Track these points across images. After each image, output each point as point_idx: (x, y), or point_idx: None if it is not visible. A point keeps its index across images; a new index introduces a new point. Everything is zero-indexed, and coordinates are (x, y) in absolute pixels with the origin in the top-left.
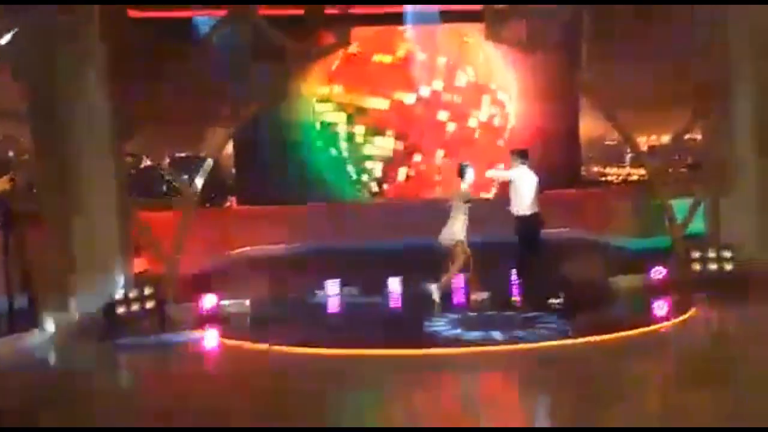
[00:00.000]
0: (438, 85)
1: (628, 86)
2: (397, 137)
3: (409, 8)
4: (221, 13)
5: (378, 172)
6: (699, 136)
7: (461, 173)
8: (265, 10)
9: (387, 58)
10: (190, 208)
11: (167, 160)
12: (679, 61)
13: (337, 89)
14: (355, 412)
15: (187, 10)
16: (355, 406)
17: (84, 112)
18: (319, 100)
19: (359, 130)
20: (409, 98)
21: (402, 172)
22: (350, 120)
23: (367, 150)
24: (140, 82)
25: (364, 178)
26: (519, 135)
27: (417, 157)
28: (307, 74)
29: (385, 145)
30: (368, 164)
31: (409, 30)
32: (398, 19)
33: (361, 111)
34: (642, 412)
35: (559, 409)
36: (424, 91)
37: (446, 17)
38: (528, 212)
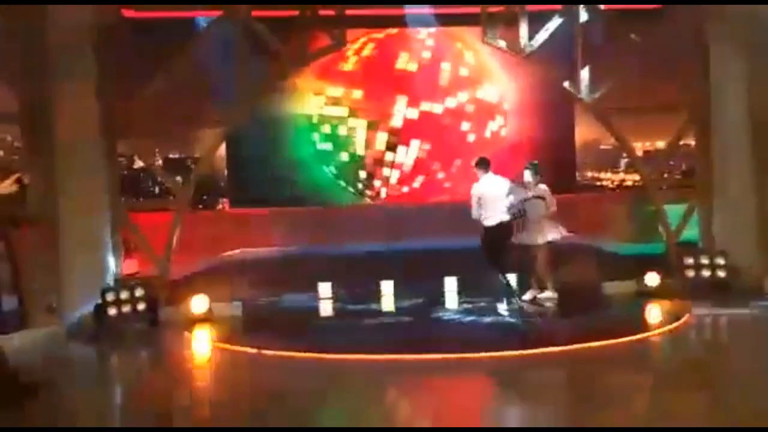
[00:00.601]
0: (462, 96)
1: (623, 91)
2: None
3: (408, 10)
4: (215, 13)
5: (393, 179)
6: (693, 142)
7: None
8: (258, 12)
9: (413, 66)
10: (182, 209)
11: (159, 162)
12: (674, 65)
13: (357, 93)
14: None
15: (181, 11)
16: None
17: (75, 113)
18: (321, 101)
19: (360, 132)
20: (436, 108)
21: (418, 179)
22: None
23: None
24: (132, 82)
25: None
26: (514, 140)
27: (435, 165)
28: (306, 75)
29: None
30: (383, 170)
31: (424, 35)
32: (394, 21)
33: (384, 117)
34: (626, 419)
35: (540, 416)
36: (450, 102)
37: (443, 20)
38: (494, 222)
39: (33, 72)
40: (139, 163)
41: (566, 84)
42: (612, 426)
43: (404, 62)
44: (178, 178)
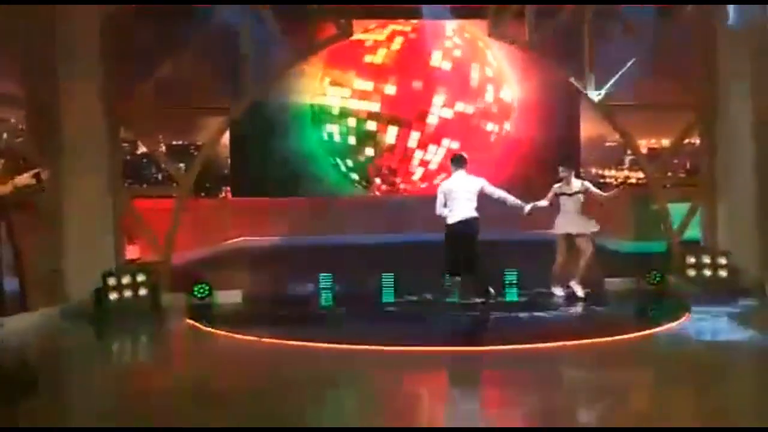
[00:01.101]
0: (489, 96)
1: (629, 88)
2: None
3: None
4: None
5: (417, 176)
6: (698, 141)
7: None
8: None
9: (447, 64)
10: (184, 196)
11: (163, 148)
12: (680, 63)
13: (389, 89)
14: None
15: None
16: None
17: (80, 99)
18: (345, 93)
19: (392, 129)
20: (468, 108)
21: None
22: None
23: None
24: (138, 68)
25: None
26: (520, 136)
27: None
28: (328, 65)
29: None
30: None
31: (450, 31)
32: (402, 12)
33: (419, 115)
34: (622, 416)
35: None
36: (480, 102)
37: (452, 13)
38: (456, 219)
39: (39, 56)
40: (142, 149)
41: (572, 80)
42: (609, 424)
43: (438, 60)
44: (181, 165)
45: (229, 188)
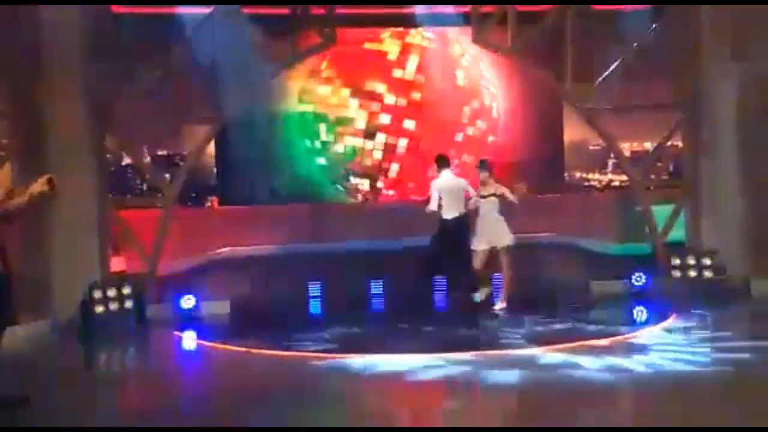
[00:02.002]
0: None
1: (612, 92)
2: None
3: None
4: (205, 10)
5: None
6: (680, 143)
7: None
8: (249, 9)
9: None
10: (170, 207)
11: (148, 159)
12: (664, 66)
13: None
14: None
15: (170, 8)
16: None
17: (64, 110)
18: (310, 100)
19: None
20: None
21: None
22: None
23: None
24: (122, 78)
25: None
26: (502, 139)
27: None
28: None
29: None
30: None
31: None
32: (386, 20)
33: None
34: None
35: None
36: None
37: (435, 21)
38: (451, 216)
39: (22, 68)
40: (126, 160)
41: (555, 84)
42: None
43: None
44: (167, 176)
45: (215, 198)
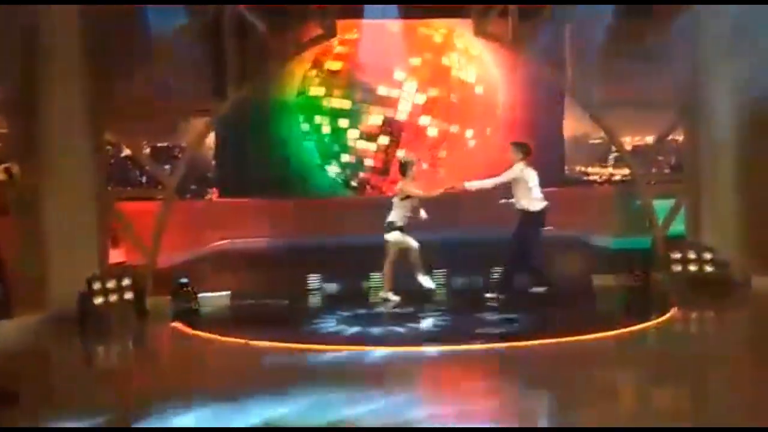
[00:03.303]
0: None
1: (613, 85)
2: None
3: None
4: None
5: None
6: (681, 137)
7: (403, 169)
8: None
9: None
10: (169, 199)
11: (147, 150)
12: (664, 60)
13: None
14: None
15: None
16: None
17: (62, 100)
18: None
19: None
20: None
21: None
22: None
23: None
24: (120, 69)
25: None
26: (504, 133)
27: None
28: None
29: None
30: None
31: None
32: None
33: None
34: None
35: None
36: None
37: (436, 13)
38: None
39: (19, 58)
40: (126, 152)
41: (556, 77)
42: (596, 422)
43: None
44: (166, 167)
45: (214, 190)
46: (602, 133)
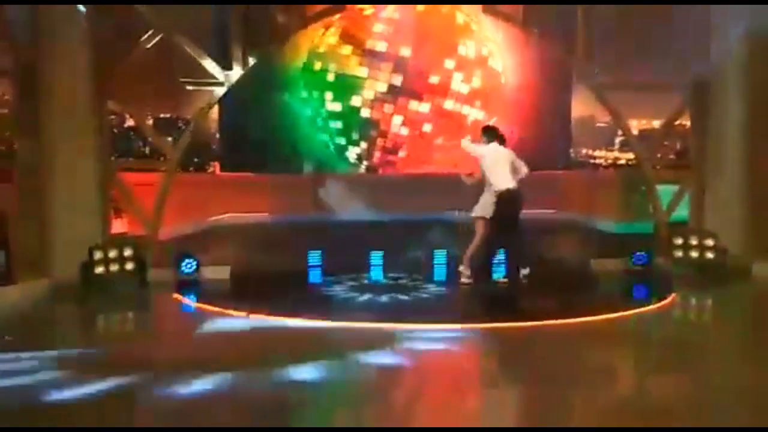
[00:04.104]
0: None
1: (621, 68)
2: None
3: None
4: None
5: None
6: (688, 123)
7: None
8: None
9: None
10: (172, 171)
11: (150, 121)
12: (674, 44)
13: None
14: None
15: None
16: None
17: (67, 70)
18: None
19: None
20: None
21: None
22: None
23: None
24: (126, 39)
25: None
26: (511, 114)
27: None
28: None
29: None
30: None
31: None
32: None
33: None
34: (607, 398)
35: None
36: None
37: None
38: (504, 187)
39: (26, 28)
40: (129, 122)
41: (565, 58)
42: (594, 405)
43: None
44: (169, 139)
45: (217, 163)
46: (609, 117)
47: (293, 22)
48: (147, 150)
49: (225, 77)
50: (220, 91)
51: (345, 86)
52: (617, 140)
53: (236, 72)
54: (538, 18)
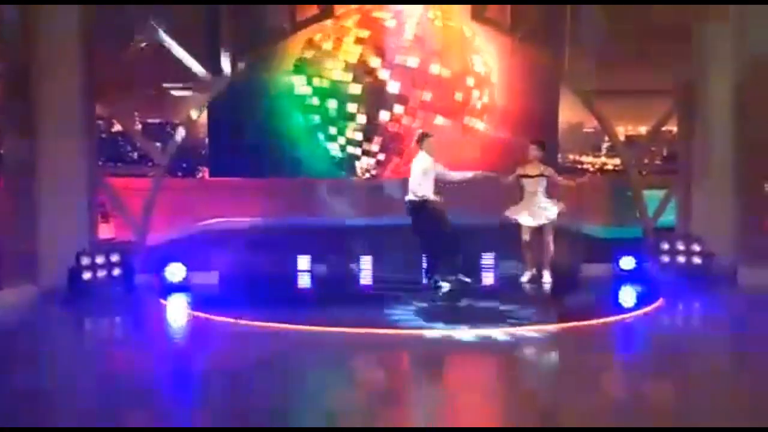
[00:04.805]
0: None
1: (608, 74)
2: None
3: None
4: None
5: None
6: (675, 128)
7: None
8: None
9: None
10: (160, 176)
11: (138, 126)
12: (660, 50)
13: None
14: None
15: None
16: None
17: (56, 73)
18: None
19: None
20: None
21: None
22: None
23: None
24: (115, 43)
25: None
26: (498, 119)
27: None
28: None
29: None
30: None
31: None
32: None
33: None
34: (595, 402)
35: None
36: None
37: None
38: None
39: (15, 29)
40: (117, 127)
41: (552, 65)
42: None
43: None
44: (158, 144)
45: (206, 168)
46: (596, 122)
47: (284, 27)
48: (135, 155)
49: (214, 81)
50: (209, 95)
51: (336, 93)
52: (604, 146)
53: (226, 76)
54: (525, 24)
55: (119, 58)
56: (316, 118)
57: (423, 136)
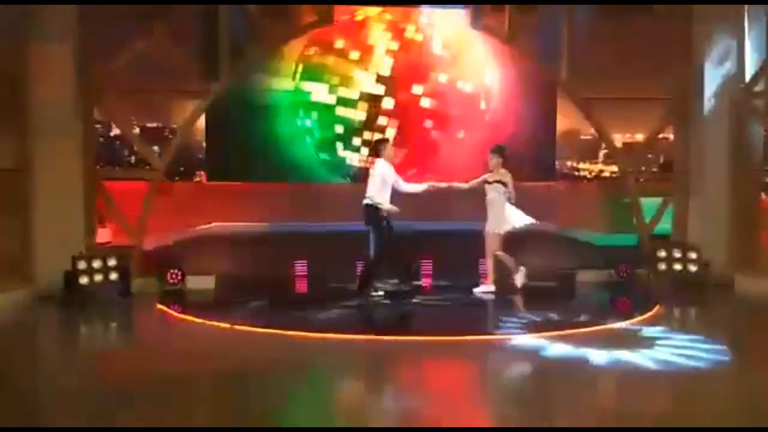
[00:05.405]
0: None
1: (605, 82)
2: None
3: None
4: None
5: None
6: (672, 136)
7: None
8: None
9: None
10: (157, 180)
11: (136, 130)
12: (657, 57)
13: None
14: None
15: None
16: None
17: (53, 77)
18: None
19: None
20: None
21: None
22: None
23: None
24: (113, 45)
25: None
26: (496, 126)
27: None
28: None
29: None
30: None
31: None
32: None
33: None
34: (590, 411)
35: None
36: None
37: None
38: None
39: (9, 31)
40: (115, 131)
41: (550, 72)
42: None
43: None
44: (155, 148)
45: (203, 173)
46: (593, 130)
47: (282, 34)
48: (132, 159)
49: (212, 87)
50: (207, 100)
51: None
52: (601, 153)
53: (224, 82)
54: (522, 32)
55: (117, 61)
56: (340, 129)
57: (380, 143)
